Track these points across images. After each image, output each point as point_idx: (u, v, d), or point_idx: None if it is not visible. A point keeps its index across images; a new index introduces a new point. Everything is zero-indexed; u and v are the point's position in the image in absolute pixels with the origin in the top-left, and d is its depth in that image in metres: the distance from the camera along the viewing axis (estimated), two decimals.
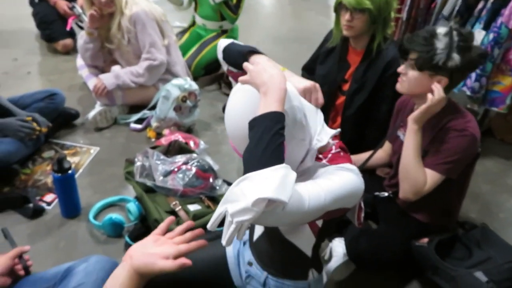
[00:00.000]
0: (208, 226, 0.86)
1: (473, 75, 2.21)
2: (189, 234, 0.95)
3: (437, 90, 1.39)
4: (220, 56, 1.23)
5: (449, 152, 1.42)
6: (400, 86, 1.51)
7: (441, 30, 1.39)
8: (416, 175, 1.44)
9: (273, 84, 0.90)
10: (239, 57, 1.10)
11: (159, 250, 0.90)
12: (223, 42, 1.23)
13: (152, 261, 0.88)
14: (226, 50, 1.19)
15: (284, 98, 0.90)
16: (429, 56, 1.38)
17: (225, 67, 1.24)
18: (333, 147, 1.08)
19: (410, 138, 1.45)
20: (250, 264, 1.26)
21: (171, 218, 1.03)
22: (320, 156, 1.06)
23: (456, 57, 1.36)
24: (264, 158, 0.82)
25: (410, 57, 1.43)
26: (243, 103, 0.97)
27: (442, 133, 1.45)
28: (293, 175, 0.83)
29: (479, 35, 2.16)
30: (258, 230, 1.23)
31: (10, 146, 1.95)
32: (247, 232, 1.37)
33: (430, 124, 1.45)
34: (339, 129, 1.10)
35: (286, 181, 0.80)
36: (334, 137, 1.09)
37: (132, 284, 0.88)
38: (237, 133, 0.97)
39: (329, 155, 1.05)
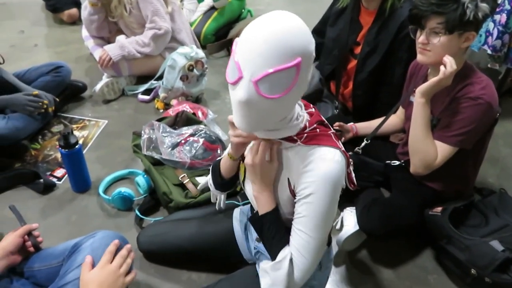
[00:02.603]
0: None
1: (495, 32, 2.08)
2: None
3: (450, 63, 1.28)
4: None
5: (462, 123, 1.34)
6: (424, 58, 1.36)
7: None
8: (426, 149, 1.38)
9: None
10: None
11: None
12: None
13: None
14: None
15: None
16: (459, 14, 1.25)
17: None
18: (307, 124, 1.01)
19: (418, 111, 1.37)
20: (258, 240, 1.25)
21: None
22: (295, 137, 0.99)
23: (483, 6, 1.25)
24: (270, 250, 1.06)
25: (434, 23, 1.29)
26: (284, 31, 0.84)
27: (455, 101, 1.37)
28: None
29: None
30: None
31: (19, 122, 1.95)
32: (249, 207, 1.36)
33: (444, 89, 1.37)
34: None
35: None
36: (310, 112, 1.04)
37: None
38: (267, 54, 0.84)
39: (304, 135, 0.99)
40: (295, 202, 1.03)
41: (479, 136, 1.40)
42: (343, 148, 1.00)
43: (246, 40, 0.86)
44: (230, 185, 1.26)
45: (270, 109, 0.88)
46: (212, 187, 1.29)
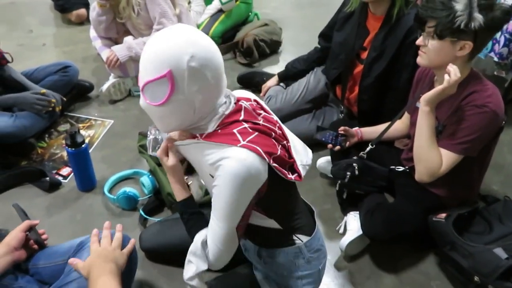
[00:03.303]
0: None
1: (502, 40, 2.08)
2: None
3: (453, 71, 1.29)
4: None
5: (467, 130, 1.35)
6: (420, 59, 1.41)
7: None
8: (431, 158, 1.38)
9: None
10: None
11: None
12: None
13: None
14: None
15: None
16: (449, 20, 1.27)
17: None
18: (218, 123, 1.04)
19: (422, 120, 1.38)
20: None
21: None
22: (197, 134, 1.04)
23: (478, 16, 1.25)
24: (189, 234, 1.15)
25: (427, 26, 1.33)
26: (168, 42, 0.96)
27: (461, 109, 1.37)
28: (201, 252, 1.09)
29: None
30: None
31: (26, 120, 1.97)
32: None
33: (450, 96, 1.37)
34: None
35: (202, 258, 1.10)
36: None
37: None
38: (146, 64, 0.98)
39: (205, 133, 1.03)
40: None
41: (484, 144, 1.40)
42: (247, 144, 0.99)
43: (141, 55, 1.00)
44: None
45: (162, 114, 1.00)
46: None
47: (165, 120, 1.03)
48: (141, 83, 1.00)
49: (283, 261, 1.19)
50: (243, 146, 0.98)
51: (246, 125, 1.03)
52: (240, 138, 1.00)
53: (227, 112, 1.04)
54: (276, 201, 1.12)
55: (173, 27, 1.00)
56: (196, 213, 1.15)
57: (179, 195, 1.16)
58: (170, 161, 1.11)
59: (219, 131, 1.03)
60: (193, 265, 1.09)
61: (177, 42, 0.95)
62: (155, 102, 0.98)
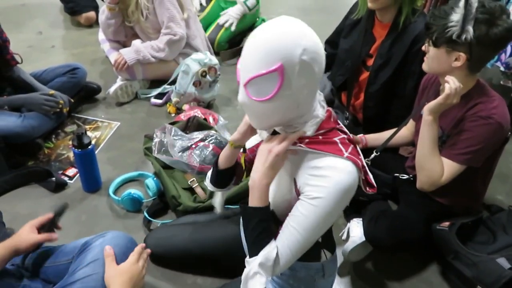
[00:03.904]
0: None
1: (508, 49, 2.08)
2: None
3: (452, 82, 1.30)
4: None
5: (471, 141, 1.35)
6: (424, 65, 1.43)
7: (463, 1, 1.27)
8: (432, 167, 1.38)
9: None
10: None
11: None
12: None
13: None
14: None
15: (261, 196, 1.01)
16: (443, 29, 1.28)
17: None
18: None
19: (425, 129, 1.38)
20: None
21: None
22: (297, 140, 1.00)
23: (470, 29, 1.25)
24: (253, 245, 1.02)
25: (429, 32, 1.35)
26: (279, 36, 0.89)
27: (466, 119, 1.37)
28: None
29: None
30: None
31: (34, 120, 1.99)
32: None
33: (455, 106, 1.37)
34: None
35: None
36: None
37: None
38: (254, 58, 0.90)
39: (306, 140, 0.99)
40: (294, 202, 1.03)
41: (488, 155, 1.40)
42: (350, 156, 0.98)
43: (244, 48, 0.94)
44: (225, 181, 1.23)
45: (265, 110, 0.93)
46: (207, 182, 1.27)
47: (265, 116, 0.96)
48: (243, 77, 0.92)
49: (303, 276, 1.17)
50: (348, 158, 0.96)
51: (343, 135, 1.02)
52: (343, 149, 0.97)
53: (324, 116, 1.01)
54: None
55: (279, 18, 0.91)
56: (270, 221, 1.03)
57: (259, 199, 1.01)
58: (284, 160, 1.01)
59: (321, 138, 0.99)
60: (263, 277, 1.00)
61: (289, 34, 0.88)
62: (261, 97, 0.90)
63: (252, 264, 1.00)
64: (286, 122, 0.99)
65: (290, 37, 0.88)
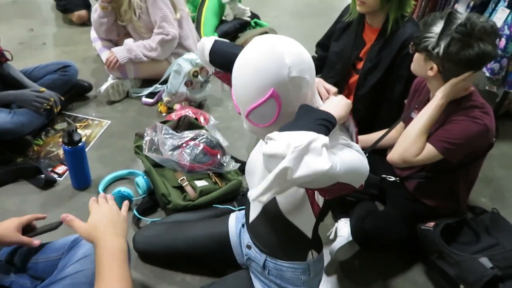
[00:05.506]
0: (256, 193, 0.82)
1: None
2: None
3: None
4: (206, 58, 1.17)
5: (454, 133, 1.37)
6: (411, 65, 1.49)
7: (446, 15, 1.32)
8: (414, 145, 1.38)
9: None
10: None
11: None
12: (206, 43, 1.15)
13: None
14: (214, 52, 1.14)
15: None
16: (422, 37, 1.35)
17: (211, 69, 1.20)
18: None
19: (431, 109, 1.38)
20: (248, 247, 1.28)
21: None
22: None
23: (442, 46, 1.30)
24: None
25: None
26: (265, 62, 0.89)
27: (457, 115, 1.40)
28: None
29: (502, 14, 2.07)
30: (254, 212, 1.23)
31: (24, 117, 1.99)
32: (244, 214, 1.38)
33: (447, 111, 1.41)
34: None
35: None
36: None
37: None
38: (245, 91, 0.93)
39: None
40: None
41: (466, 154, 1.42)
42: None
43: (232, 79, 0.96)
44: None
45: (276, 130, 0.87)
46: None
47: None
48: (242, 110, 0.96)
49: (289, 276, 1.19)
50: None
51: None
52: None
53: None
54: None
55: (255, 45, 0.92)
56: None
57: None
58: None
59: None
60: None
61: (270, 59, 0.89)
62: (266, 123, 0.94)
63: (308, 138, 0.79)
64: None
65: (273, 61, 0.89)
